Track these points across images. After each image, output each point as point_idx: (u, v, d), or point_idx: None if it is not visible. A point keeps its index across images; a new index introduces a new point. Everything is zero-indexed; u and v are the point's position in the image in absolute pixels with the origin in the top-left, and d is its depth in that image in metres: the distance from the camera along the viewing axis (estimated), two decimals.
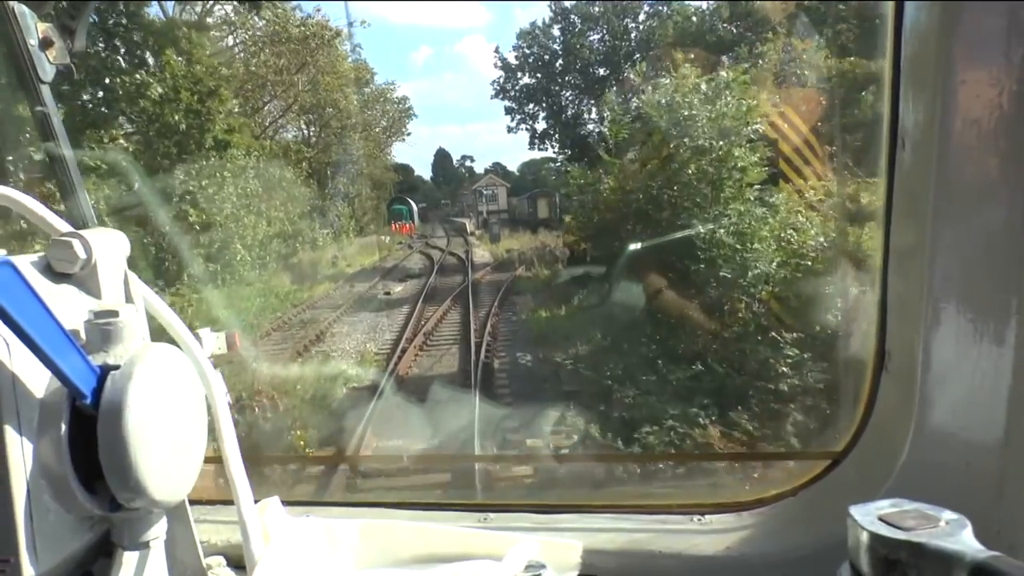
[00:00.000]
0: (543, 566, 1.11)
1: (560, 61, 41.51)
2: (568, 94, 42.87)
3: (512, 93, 44.41)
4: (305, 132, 40.37)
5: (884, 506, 0.77)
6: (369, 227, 45.18)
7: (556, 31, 41.95)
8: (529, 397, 11.20)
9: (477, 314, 18.16)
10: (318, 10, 36.18)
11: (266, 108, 30.89)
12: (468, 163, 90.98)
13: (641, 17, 39.96)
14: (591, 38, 40.27)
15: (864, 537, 0.73)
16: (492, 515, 1.35)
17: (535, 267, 27.61)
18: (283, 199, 28.11)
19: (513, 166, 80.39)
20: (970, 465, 0.98)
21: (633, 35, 39.20)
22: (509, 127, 46.96)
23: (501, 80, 44.89)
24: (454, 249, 37.53)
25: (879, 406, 1.15)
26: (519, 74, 43.62)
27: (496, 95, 44.89)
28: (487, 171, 73.72)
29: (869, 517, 0.75)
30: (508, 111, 45.48)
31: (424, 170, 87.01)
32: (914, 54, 1.00)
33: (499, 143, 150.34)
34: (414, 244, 41.29)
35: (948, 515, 0.74)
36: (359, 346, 15.57)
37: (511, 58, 43.87)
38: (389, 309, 20.35)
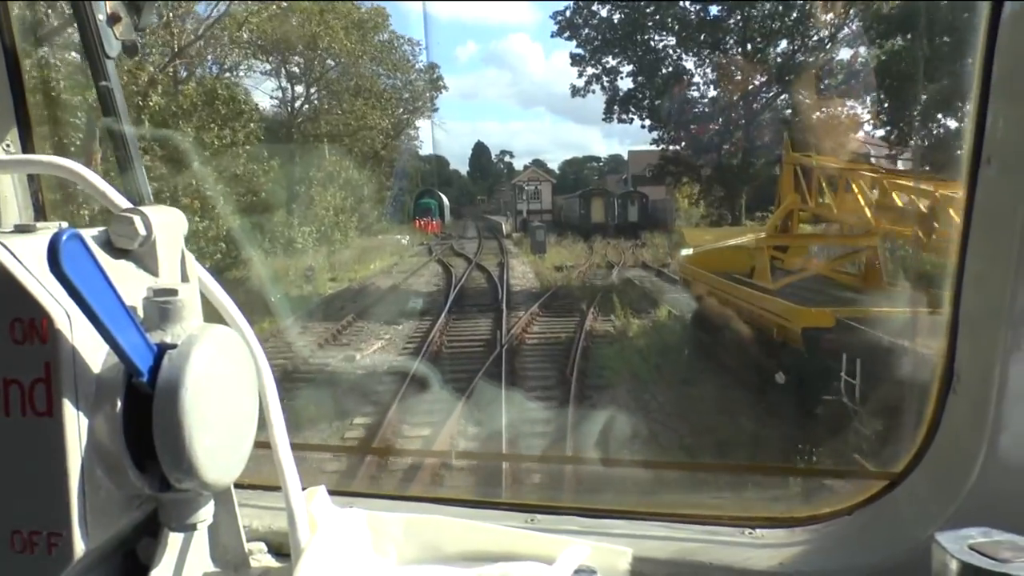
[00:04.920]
0: (594, 571, 1.10)
1: None
2: (664, 40, 27.63)
3: (583, 33, 28.19)
4: (288, 90, 30.21)
5: (974, 534, 0.74)
6: (379, 224, 35.41)
7: None
8: None
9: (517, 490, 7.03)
10: None
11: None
12: (507, 158, 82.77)
13: None
14: None
15: (954, 566, 0.71)
16: (539, 516, 1.34)
17: (615, 309, 16.53)
18: (213, 178, 17.75)
19: (554, 165, 73.18)
20: None
21: None
22: (575, 88, 29.88)
23: (568, 12, 28.36)
24: (485, 258, 28.61)
25: (944, 429, 1.13)
26: (595, 4, 27.62)
27: (558, 32, 28.69)
28: (527, 167, 62.75)
29: (958, 545, 0.72)
30: (575, 60, 29.17)
31: (460, 165, 79.49)
32: (1010, 64, 0.96)
33: (539, 144, 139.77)
34: (436, 247, 32.82)
35: None
36: None
37: None
38: (333, 419, 9.28)
